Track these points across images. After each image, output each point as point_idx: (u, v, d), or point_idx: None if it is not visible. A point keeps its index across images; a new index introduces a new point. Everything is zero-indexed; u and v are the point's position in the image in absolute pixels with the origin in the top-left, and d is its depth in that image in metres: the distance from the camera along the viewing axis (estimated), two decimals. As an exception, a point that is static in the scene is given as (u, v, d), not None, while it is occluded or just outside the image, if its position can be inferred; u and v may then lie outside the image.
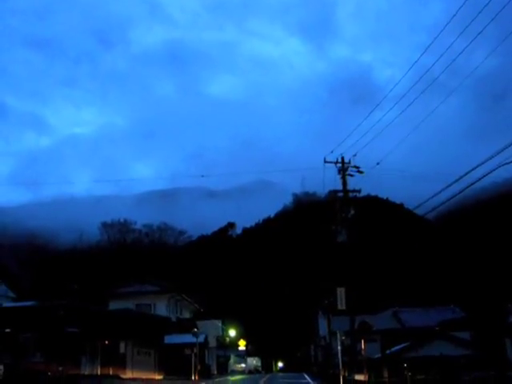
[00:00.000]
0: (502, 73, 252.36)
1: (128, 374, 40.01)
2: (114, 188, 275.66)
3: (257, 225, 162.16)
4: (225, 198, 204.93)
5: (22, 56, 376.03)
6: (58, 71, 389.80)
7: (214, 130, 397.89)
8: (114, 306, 53.51)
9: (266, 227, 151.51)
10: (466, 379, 25.24)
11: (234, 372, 75.50)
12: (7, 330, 35.95)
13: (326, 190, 35.07)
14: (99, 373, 38.40)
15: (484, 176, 18.06)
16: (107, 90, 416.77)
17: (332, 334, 46.89)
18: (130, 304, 52.93)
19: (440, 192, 21.62)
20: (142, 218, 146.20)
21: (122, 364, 40.26)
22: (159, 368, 45.89)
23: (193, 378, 44.58)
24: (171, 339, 48.65)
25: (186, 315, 64.96)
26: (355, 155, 32.64)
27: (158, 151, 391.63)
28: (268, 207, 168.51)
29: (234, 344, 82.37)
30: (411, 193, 73.80)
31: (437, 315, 47.09)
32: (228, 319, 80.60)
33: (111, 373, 38.57)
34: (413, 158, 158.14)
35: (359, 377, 31.85)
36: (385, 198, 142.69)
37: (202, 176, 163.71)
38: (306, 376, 51.36)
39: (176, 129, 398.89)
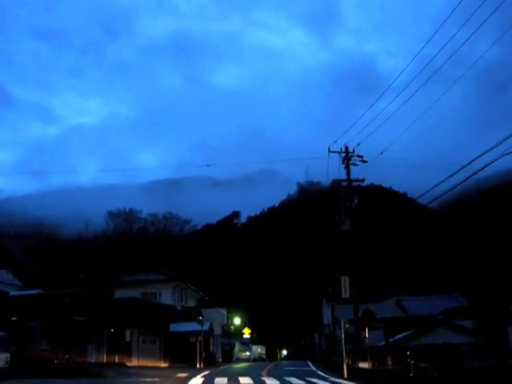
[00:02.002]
0: (505, 63, 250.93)
1: (133, 362, 40.40)
2: (119, 177, 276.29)
3: (261, 213, 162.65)
4: (230, 187, 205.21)
5: (28, 46, 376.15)
6: (64, 61, 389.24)
7: (219, 119, 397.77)
8: (119, 294, 53.90)
9: (270, 216, 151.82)
10: (468, 367, 25.36)
11: (239, 360, 76.03)
12: (14, 318, 36.34)
13: (330, 180, 35.17)
14: (105, 361, 38.81)
15: (487, 165, 18.11)
16: (113, 79, 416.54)
17: (336, 322, 47.14)
18: (135, 292, 53.30)
19: (443, 181, 21.67)
20: (147, 207, 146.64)
21: (127, 352, 40.65)
22: (164, 356, 46.29)
23: (198, 365, 44.88)
24: (176, 327, 48.99)
25: (191, 303, 65.33)
26: (359, 145, 32.77)
27: (164, 141, 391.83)
28: (273, 196, 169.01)
29: (238, 332, 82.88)
30: (414, 182, 73.81)
31: (440, 303, 47.22)
32: (233, 307, 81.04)
33: (117, 361, 38.97)
34: (416, 147, 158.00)
35: (363, 365, 32.08)
36: (388, 187, 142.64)
37: (208, 165, 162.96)
38: (310, 364, 51.61)
39: (181, 118, 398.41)
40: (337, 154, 33.55)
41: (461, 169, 19.76)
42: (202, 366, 45.05)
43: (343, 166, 33.65)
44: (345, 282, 33.20)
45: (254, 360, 79.40)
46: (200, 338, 46.94)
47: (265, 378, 26.05)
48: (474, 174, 19.16)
